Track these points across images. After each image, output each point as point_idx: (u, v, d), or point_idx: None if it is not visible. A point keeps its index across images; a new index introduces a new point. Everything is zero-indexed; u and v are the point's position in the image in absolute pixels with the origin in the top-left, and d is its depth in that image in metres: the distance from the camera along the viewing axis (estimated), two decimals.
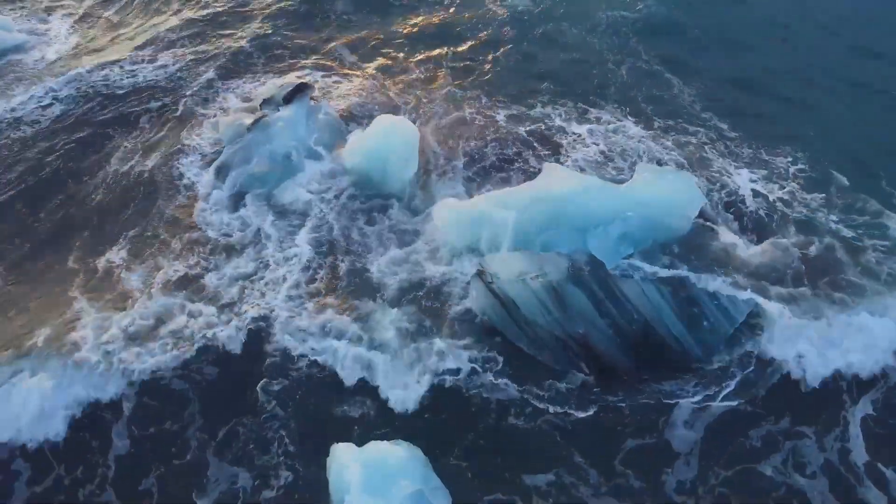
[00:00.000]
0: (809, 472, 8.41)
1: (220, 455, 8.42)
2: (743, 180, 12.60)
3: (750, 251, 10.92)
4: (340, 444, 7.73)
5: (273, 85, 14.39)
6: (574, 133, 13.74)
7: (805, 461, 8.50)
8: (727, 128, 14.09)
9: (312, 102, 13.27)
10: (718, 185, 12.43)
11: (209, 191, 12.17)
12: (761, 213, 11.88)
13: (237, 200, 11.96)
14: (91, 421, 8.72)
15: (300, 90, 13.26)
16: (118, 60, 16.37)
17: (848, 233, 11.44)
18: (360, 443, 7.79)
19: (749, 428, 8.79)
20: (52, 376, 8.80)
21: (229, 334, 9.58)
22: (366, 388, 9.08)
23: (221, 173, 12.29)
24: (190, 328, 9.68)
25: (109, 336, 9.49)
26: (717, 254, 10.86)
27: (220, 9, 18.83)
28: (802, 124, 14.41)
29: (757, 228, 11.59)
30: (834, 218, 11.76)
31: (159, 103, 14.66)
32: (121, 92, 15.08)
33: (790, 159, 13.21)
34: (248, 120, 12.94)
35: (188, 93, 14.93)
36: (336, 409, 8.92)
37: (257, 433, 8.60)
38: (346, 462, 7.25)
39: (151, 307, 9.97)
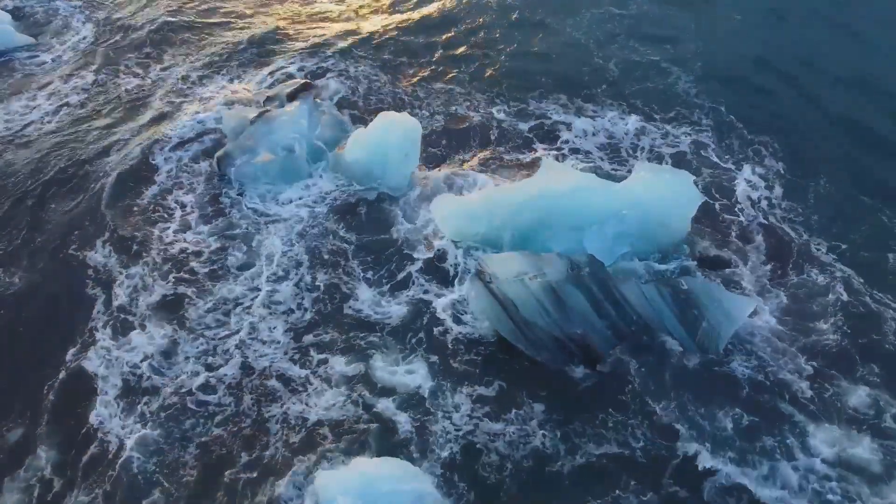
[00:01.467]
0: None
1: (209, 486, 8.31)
2: (743, 178, 12.60)
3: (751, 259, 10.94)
4: (326, 472, 7.60)
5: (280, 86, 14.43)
6: (572, 128, 13.76)
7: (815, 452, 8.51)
8: (724, 122, 14.04)
9: (316, 100, 13.29)
10: (717, 182, 12.42)
11: (206, 195, 12.22)
12: (761, 213, 11.87)
13: (234, 198, 12.02)
14: None
15: (304, 89, 13.33)
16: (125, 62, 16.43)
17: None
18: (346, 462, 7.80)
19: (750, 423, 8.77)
20: None
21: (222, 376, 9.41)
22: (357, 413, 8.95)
23: (223, 164, 12.38)
24: (182, 379, 9.35)
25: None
26: (717, 253, 10.91)
27: (225, 10, 18.79)
28: (803, 119, 14.32)
29: (756, 228, 11.56)
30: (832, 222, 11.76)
31: (162, 103, 14.74)
32: (126, 94, 15.13)
33: (789, 156, 13.15)
34: (252, 114, 13.01)
35: (190, 91, 14.97)
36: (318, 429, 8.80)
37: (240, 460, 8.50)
38: (334, 494, 7.04)
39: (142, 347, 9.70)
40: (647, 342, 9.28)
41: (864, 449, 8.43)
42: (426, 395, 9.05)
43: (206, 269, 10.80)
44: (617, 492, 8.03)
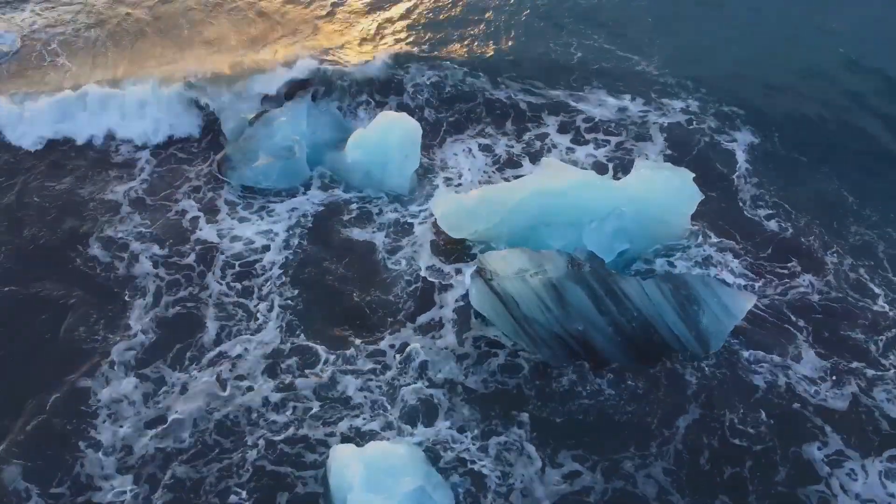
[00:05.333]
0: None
1: (218, 460, 8.31)
2: (741, 165, 12.75)
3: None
4: (341, 445, 7.82)
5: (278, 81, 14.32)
6: (569, 123, 13.75)
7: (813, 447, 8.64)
8: (710, 105, 14.06)
9: (314, 100, 13.31)
10: (712, 175, 12.48)
11: (205, 201, 12.09)
12: (759, 207, 12.01)
13: (233, 203, 12.00)
14: None
15: (302, 86, 13.33)
16: None
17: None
18: (361, 444, 7.84)
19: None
20: None
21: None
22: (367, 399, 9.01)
23: (223, 167, 12.39)
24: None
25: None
26: (716, 251, 11.00)
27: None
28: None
29: (757, 220, 11.71)
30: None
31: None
32: None
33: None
34: (250, 115, 13.03)
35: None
36: (335, 415, 8.82)
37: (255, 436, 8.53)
38: (347, 462, 7.32)
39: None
40: (648, 341, 9.32)
41: None
42: (428, 407, 9.01)
43: (202, 285, 10.48)
44: None
